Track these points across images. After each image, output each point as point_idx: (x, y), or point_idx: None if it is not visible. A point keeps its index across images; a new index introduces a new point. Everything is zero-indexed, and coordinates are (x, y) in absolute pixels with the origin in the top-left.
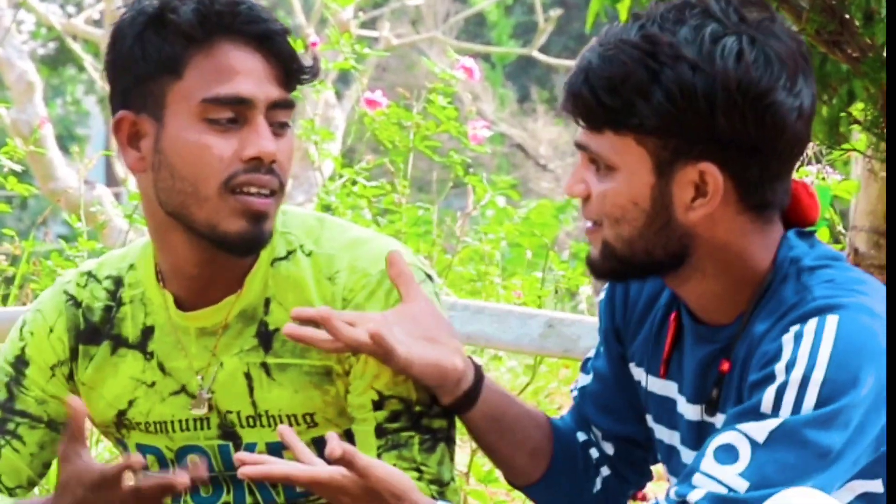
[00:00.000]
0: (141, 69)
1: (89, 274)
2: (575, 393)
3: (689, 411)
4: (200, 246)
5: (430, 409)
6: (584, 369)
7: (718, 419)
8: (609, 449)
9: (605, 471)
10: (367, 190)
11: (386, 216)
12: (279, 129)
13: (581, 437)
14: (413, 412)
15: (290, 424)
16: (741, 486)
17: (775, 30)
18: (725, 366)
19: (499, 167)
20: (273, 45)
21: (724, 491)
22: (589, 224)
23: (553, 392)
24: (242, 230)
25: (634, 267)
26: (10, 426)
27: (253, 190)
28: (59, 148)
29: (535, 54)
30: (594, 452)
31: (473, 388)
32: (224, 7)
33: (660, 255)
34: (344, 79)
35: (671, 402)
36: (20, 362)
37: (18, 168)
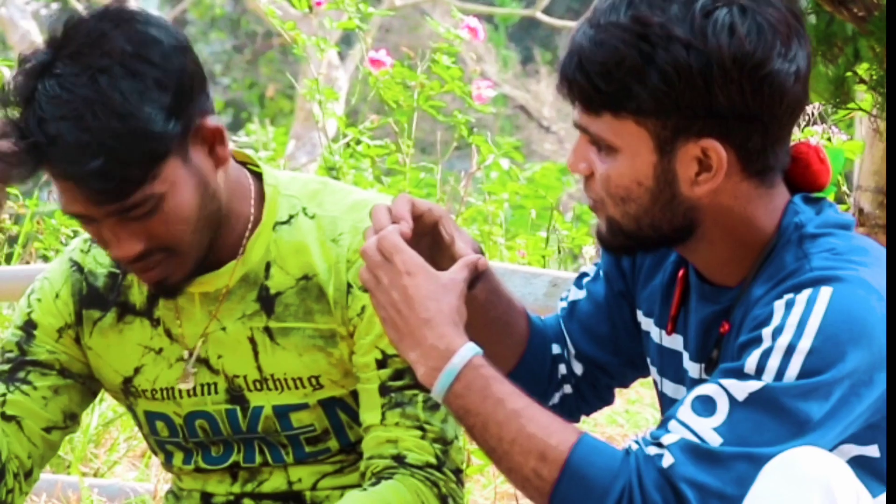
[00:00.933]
0: None
1: (93, 239)
2: (564, 304)
3: (692, 368)
4: None
5: None
6: (577, 284)
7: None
8: (578, 369)
9: (567, 388)
10: (371, 150)
11: (389, 176)
12: (142, 217)
13: (555, 349)
14: None
15: (296, 387)
16: (714, 440)
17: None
18: (725, 327)
19: (502, 129)
20: (86, 186)
21: (696, 441)
22: (591, 201)
23: None
24: (153, 291)
25: (642, 241)
26: (20, 374)
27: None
28: None
29: (539, 16)
30: (562, 368)
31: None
32: (33, 147)
33: (667, 230)
34: (347, 39)
35: (678, 356)
36: (28, 326)
37: None
